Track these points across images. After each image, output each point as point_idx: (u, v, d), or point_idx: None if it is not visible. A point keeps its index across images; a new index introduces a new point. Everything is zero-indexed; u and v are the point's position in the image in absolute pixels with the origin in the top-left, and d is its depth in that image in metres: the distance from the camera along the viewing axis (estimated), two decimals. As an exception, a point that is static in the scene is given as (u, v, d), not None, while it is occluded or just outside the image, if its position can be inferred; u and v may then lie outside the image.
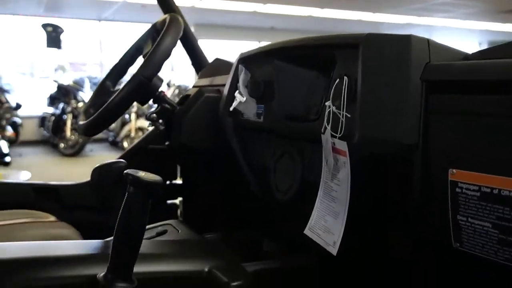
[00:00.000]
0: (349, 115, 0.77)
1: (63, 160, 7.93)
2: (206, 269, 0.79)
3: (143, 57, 1.33)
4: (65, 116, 8.27)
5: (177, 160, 1.55)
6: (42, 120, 9.21)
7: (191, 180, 1.53)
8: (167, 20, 1.19)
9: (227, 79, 1.20)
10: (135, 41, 1.38)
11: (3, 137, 6.50)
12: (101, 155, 8.52)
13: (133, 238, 0.65)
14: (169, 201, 1.67)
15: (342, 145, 0.77)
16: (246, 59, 1.13)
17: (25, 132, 8.40)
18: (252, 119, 1.06)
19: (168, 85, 9.37)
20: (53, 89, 9.15)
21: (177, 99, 1.35)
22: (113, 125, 9.05)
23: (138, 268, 0.71)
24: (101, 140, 9.50)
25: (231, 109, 1.12)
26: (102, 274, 0.66)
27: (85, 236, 1.33)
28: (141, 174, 0.66)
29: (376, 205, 0.81)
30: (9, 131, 7.18)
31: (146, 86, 1.12)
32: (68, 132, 8.15)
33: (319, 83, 0.91)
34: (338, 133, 0.78)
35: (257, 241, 0.98)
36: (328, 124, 0.80)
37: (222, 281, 0.76)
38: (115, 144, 9.20)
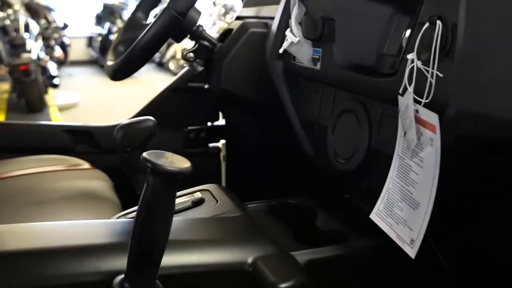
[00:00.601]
0: (441, 75, 0.57)
1: (111, 81, 7.94)
2: (249, 261, 0.65)
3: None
4: (111, 37, 8.17)
5: (218, 105, 1.39)
6: (90, 40, 9.18)
7: (234, 125, 1.37)
8: None
9: (276, 11, 1.00)
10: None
11: (52, 58, 6.49)
12: (148, 76, 8.48)
13: (155, 243, 0.51)
14: (211, 144, 1.53)
15: (430, 116, 0.57)
16: None
17: (74, 52, 8.42)
18: (306, 65, 0.87)
19: (214, 3, 8.99)
20: (99, 8, 9.01)
21: (223, 21, 1.16)
22: (159, 46, 8.92)
23: (163, 260, 0.57)
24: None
25: (280, 51, 0.92)
26: (118, 280, 0.54)
27: (119, 187, 1.22)
28: (164, 159, 0.50)
29: (468, 200, 0.63)
30: (58, 51, 7.16)
31: (179, 22, 0.94)
32: (114, 53, 8.08)
33: (397, 24, 0.70)
34: (424, 98, 0.58)
35: (310, 217, 0.83)
36: (409, 85, 0.60)
37: (268, 280, 0.62)
38: (161, 65, 9.11)
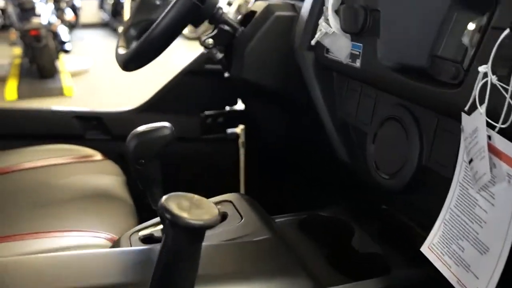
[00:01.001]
0: None
1: (123, 45, 7.81)
2: None
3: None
4: (123, -1, 7.98)
5: (239, 94, 1.28)
6: (101, 2, 8.99)
7: (255, 113, 1.27)
8: None
9: None
10: None
11: (63, 22, 6.36)
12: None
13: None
14: (229, 130, 1.43)
15: (508, 147, 0.47)
16: None
17: (85, 15, 8.26)
18: (343, 61, 0.76)
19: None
20: (110, -32, 8.77)
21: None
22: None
23: None
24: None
25: (312, 42, 0.81)
26: None
27: (130, 179, 1.14)
28: (186, 207, 0.40)
29: None
30: (69, 14, 7.02)
31: (199, 8, 0.83)
32: (127, 17, 7.90)
33: (457, 20, 0.58)
34: (500, 122, 0.48)
35: (345, 234, 0.74)
36: (480, 104, 0.50)
37: None
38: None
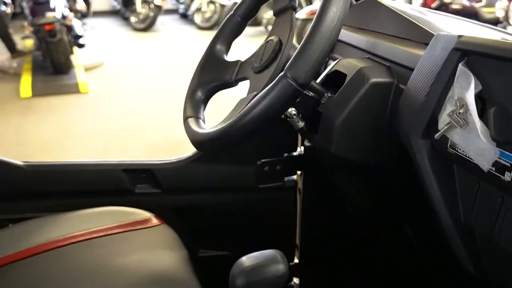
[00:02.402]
0: None
1: (135, 34, 7.66)
2: None
3: (275, 14, 0.87)
4: (134, -14, 7.80)
5: (317, 161, 1.15)
6: (112, -11, 8.81)
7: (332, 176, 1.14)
8: None
9: (420, 66, 0.74)
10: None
11: (74, 11, 6.19)
12: (172, 29, 8.15)
13: None
14: (287, 178, 1.31)
15: None
16: (471, 54, 0.65)
17: (96, 2, 8.08)
18: (483, 169, 0.63)
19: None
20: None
21: None
22: (184, -4, 8.51)
23: None
24: (171, 11, 9.05)
25: (437, 136, 0.68)
26: None
27: (184, 238, 1.04)
28: None
29: None
30: (81, 3, 6.84)
31: (299, 92, 0.70)
32: (138, 5, 7.73)
33: None
34: None
35: None
36: None
37: None
38: (185, 17, 8.74)
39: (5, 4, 6.23)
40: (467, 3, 6.54)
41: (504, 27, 5.23)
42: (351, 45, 1.01)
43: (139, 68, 5.57)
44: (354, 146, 0.85)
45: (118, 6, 8.58)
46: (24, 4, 5.18)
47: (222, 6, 7.86)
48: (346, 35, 1.04)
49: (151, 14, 7.71)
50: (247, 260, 0.58)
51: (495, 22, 5.56)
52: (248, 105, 0.71)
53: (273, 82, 0.69)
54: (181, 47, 6.69)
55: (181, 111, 0.89)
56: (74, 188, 1.16)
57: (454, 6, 6.36)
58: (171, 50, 6.48)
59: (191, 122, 0.85)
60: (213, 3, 7.99)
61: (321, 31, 0.68)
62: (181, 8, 8.74)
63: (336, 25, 0.68)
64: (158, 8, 7.72)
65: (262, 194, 1.30)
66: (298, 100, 0.85)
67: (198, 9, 8.03)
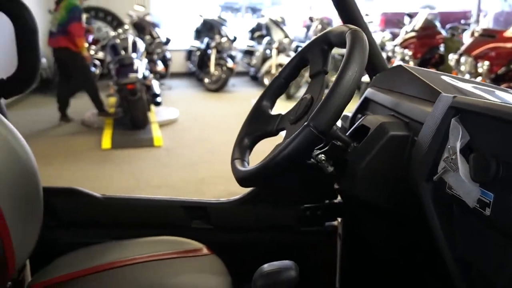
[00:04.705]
0: None
1: (207, 95, 8.16)
2: None
3: (310, 76, 1.05)
4: (209, 51, 8.38)
5: (347, 206, 1.30)
6: (189, 53, 9.51)
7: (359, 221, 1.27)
8: (349, 41, 0.89)
9: (426, 120, 0.88)
10: (299, 50, 1.11)
11: (154, 72, 6.77)
12: (243, 91, 8.60)
13: None
14: (327, 223, 1.44)
15: None
16: (463, 112, 0.79)
17: (173, 65, 8.74)
18: (469, 205, 0.75)
19: (311, 19, 8.92)
20: (199, 23, 9.30)
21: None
22: (254, 60, 9.01)
23: None
24: (242, 74, 9.57)
25: (435, 178, 0.81)
26: None
27: (232, 269, 1.18)
28: None
29: None
30: (160, 66, 7.47)
31: (320, 139, 0.86)
32: (212, 68, 8.28)
33: None
34: None
35: None
36: None
37: None
38: (255, 79, 9.20)
39: (95, 66, 6.97)
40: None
41: None
42: (380, 104, 1.16)
43: (209, 126, 5.94)
44: (374, 190, 0.98)
45: (193, 68, 9.22)
46: (111, 66, 5.78)
47: (290, 69, 8.21)
48: (377, 95, 1.19)
49: (223, 76, 8.21)
50: (267, 266, 0.72)
51: None
52: (279, 148, 0.88)
53: (298, 130, 0.86)
54: (249, 108, 7.04)
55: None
56: (139, 219, 1.37)
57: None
58: (240, 111, 6.84)
59: (237, 163, 1.03)
60: (282, 66, 8.39)
61: (338, 91, 0.84)
62: (252, 70, 9.23)
63: (352, 85, 0.85)
64: (230, 71, 8.22)
65: (303, 237, 1.43)
66: (328, 148, 1.01)
67: (268, 72, 8.44)
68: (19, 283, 1.23)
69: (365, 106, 1.23)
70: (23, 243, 1.09)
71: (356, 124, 1.08)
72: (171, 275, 1.13)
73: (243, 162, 1.04)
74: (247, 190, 1.44)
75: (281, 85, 1.14)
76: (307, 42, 1.10)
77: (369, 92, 1.24)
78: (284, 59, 8.14)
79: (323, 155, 1.00)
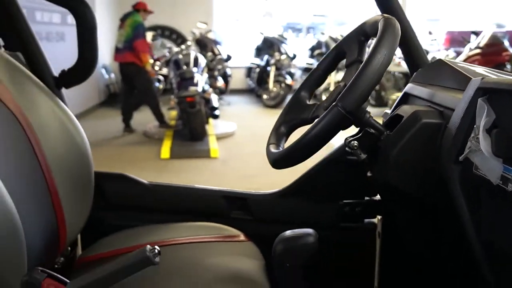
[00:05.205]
0: None
1: (265, 110, 8.27)
2: None
3: (346, 66, 1.09)
4: (268, 68, 8.53)
5: (380, 193, 1.30)
6: (249, 70, 9.71)
7: (395, 213, 1.27)
8: (381, 27, 0.92)
9: (457, 106, 0.89)
10: (337, 43, 1.15)
11: (214, 87, 6.97)
12: (301, 107, 8.63)
13: None
14: (366, 220, 1.44)
15: None
16: (491, 92, 0.79)
17: (233, 81, 8.96)
18: (493, 182, 0.75)
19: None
20: (260, 41, 9.50)
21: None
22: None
23: None
24: (301, 91, 9.61)
25: (460, 158, 0.81)
26: None
27: (270, 264, 1.21)
28: None
29: None
30: (220, 81, 7.68)
31: (348, 120, 0.89)
32: (270, 84, 8.40)
33: None
34: None
35: None
36: None
37: None
38: (315, 97, 9.22)
39: (159, 81, 7.29)
40: None
41: None
42: (417, 97, 1.17)
43: (265, 141, 5.95)
44: (405, 177, 0.99)
45: (252, 85, 9.40)
46: (173, 80, 6.03)
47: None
48: (415, 89, 1.20)
49: (282, 92, 8.31)
50: (288, 233, 0.76)
51: None
52: (308, 128, 0.92)
53: (327, 110, 0.89)
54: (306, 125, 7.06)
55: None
56: (182, 206, 1.44)
57: None
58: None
59: (272, 147, 1.07)
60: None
61: (366, 73, 0.87)
62: (310, 88, 9.27)
63: (380, 69, 0.87)
64: (289, 87, 8.31)
65: (342, 233, 1.44)
66: (361, 135, 1.04)
67: (326, 89, 8.44)
68: (70, 259, 1.32)
69: (404, 100, 1.24)
70: (74, 220, 1.19)
71: (391, 113, 1.10)
72: (208, 256, 1.18)
73: (278, 147, 1.08)
74: (288, 183, 1.47)
75: (319, 76, 1.17)
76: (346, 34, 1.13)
77: (408, 87, 1.24)
78: (340, 75, 8.13)
79: (356, 142, 1.02)
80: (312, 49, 9.67)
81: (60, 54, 3.38)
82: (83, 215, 1.22)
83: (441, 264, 1.11)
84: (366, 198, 1.43)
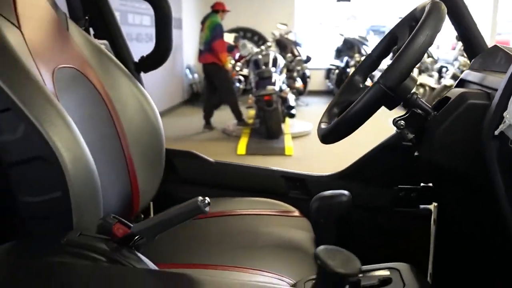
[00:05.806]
0: None
1: (343, 112, 8.22)
2: None
3: (397, 50, 1.14)
4: (348, 70, 8.48)
5: (428, 174, 1.32)
6: (328, 72, 9.71)
7: (446, 193, 1.29)
8: (426, 10, 0.97)
9: (500, 85, 0.92)
10: (390, 29, 1.20)
11: (292, 88, 7.07)
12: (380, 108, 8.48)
13: None
14: (421, 206, 1.47)
15: None
16: None
17: (312, 83, 9.00)
18: None
19: (457, 38, 8.48)
20: (340, 42, 9.46)
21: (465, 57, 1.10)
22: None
23: None
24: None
25: (496, 132, 0.84)
26: None
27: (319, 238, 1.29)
28: (333, 260, 0.51)
29: None
30: (299, 82, 7.77)
31: (389, 96, 0.95)
32: (348, 86, 8.33)
33: None
34: None
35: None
36: None
37: None
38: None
39: (240, 81, 7.53)
40: None
41: None
42: (471, 82, 1.18)
43: (340, 142, 6.00)
44: (451, 155, 1.02)
45: (331, 87, 9.39)
46: (252, 79, 6.22)
47: (432, 89, 7.92)
48: (470, 75, 1.22)
49: (359, 94, 8.21)
50: (324, 192, 0.83)
51: None
52: (353, 104, 0.99)
53: (369, 87, 0.96)
54: (384, 125, 6.95)
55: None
56: (244, 184, 1.55)
57: None
58: (374, 127, 6.80)
59: (322, 124, 1.15)
60: (423, 86, 8.11)
61: (408, 52, 0.92)
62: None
63: (421, 48, 0.92)
64: (367, 89, 8.19)
65: (396, 217, 1.47)
66: (408, 115, 1.08)
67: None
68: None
69: (460, 86, 1.26)
70: (147, 188, 1.34)
71: (441, 96, 1.13)
72: (264, 226, 1.28)
73: (327, 125, 1.16)
74: (344, 167, 1.53)
75: (373, 62, 1.23)
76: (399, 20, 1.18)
77: (465, 73, 1.26)
78: (426, 79, 7.87)
79: (403, 121, 1.07)
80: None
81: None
82: (154, 185, 1.37)
83: (490, 244, 1.12)
84: (422, 184, 1.45)
